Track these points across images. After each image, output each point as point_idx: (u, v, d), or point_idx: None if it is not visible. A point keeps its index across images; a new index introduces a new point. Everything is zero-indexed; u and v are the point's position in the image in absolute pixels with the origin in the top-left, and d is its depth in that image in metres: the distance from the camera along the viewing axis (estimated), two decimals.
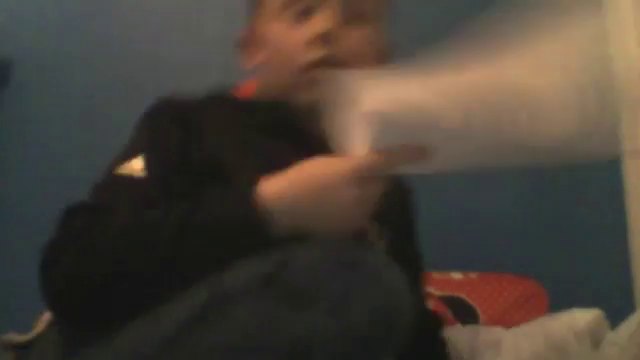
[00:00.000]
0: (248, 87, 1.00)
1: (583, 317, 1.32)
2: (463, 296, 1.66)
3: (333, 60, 0.87)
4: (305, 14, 0.89)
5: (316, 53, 0.87)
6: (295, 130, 0.91)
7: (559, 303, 1.55)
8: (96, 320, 0.72)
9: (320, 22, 0.87)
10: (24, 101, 2.01)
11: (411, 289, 1.07)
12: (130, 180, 0.83)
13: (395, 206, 1.02)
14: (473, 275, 1.72)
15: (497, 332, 1.48)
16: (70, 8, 2.05)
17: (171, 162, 0.84)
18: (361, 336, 0.64)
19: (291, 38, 0.89)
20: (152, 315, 0.69)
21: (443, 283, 1.69)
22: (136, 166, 0.83)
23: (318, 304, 0.64)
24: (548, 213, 1.93)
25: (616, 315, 1.34)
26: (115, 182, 0.84)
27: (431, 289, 1.68)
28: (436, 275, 1.71)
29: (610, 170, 1.92)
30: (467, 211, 1.93)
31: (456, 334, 1.51)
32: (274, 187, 0.71)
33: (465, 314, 1.61)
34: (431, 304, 1.65)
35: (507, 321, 1.56)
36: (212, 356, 0.66)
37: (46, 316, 0.90)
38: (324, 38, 0.86)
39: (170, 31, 2.02)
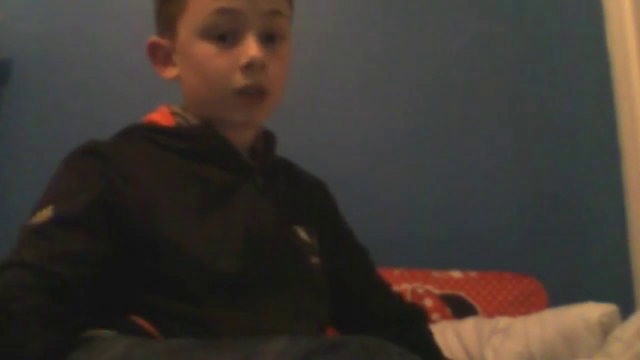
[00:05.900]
0: (161, 114, 0.99)
1: (596, 310, 1.32)
2: (463, 294, 1.66)
3: (260, 87, 0.91)
4: (228, 39, 0.91)
5: (247, 80, 0.91)
6: (232, 156, 0.94)
7: (558, 302, 1.55)
8: None
9: (249, 50, 0.90)
10: (23, 100, 2.01)
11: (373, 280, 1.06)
12: (37, 227, 0.82)
13: (314, 202, 1.04)
14: (473, 274, 1.72)
15: (503, 320, 1.48)
16: (70, 9, 2.06)
17: (83, 203, 0.83)
18: None
19: (220, 63, 0.91)
20: None
21: (443, 282, 1.68)
22: (45, 214, 0.83)
23: None
24: (548, 212, 1.93)
25: None
26: (26, 232, 0.84)
27: (431, 287, 1.67)
28: (436, 274, 1.71)
29: (610, 170, 1.92)
30: (467, 210, 1.93)
31: (460, 325, 1.51)
32: None
33: (465, 312, 1.61)
34: (431, 302, 1.65)
35: None
36: None
37: None
38: (254, 66, 0.90)
39: None
